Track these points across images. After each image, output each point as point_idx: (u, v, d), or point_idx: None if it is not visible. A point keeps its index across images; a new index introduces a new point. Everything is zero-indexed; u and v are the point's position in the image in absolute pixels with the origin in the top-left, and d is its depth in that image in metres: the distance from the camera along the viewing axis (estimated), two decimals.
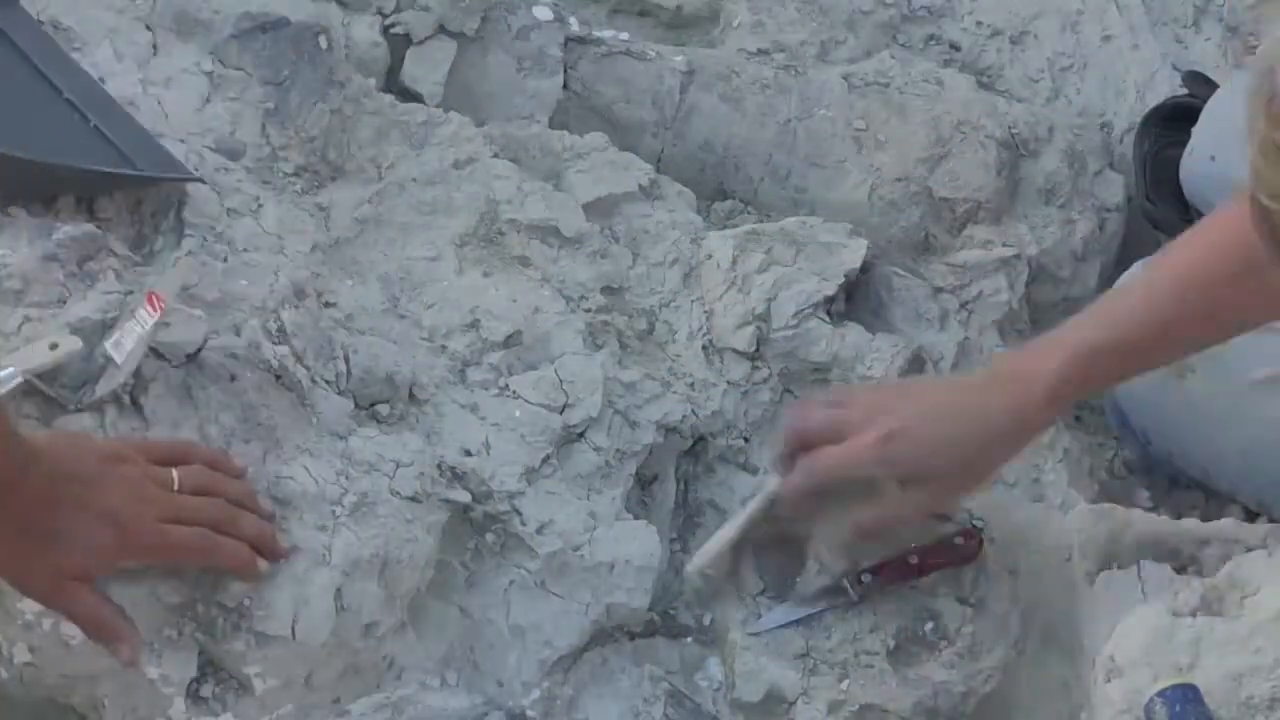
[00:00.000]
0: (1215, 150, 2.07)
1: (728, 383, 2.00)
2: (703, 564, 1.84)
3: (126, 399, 1.69)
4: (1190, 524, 1.84)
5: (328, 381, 1.82)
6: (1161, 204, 2.21)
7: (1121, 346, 1.72)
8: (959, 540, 1.84)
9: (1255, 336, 1.75)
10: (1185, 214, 2.16)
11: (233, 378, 1.73)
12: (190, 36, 2.04)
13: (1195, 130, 2.12)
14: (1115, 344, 1.72)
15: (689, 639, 1.86)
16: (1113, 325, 1.74)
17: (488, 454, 1.84)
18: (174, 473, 1.62)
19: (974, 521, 1.90)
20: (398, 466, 1.75)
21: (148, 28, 2.04)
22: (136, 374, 1.69)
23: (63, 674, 1.67)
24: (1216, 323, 1.73)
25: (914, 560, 1.83)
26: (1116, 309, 1.78)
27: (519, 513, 1.81)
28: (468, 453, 1.83)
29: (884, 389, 1.90)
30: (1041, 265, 2.22)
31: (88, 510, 1.54)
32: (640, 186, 2.12)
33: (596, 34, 2.28)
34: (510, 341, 1.92)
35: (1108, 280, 2.20)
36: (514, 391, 1.89)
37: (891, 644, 1.83)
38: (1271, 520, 1.94)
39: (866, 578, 1.82)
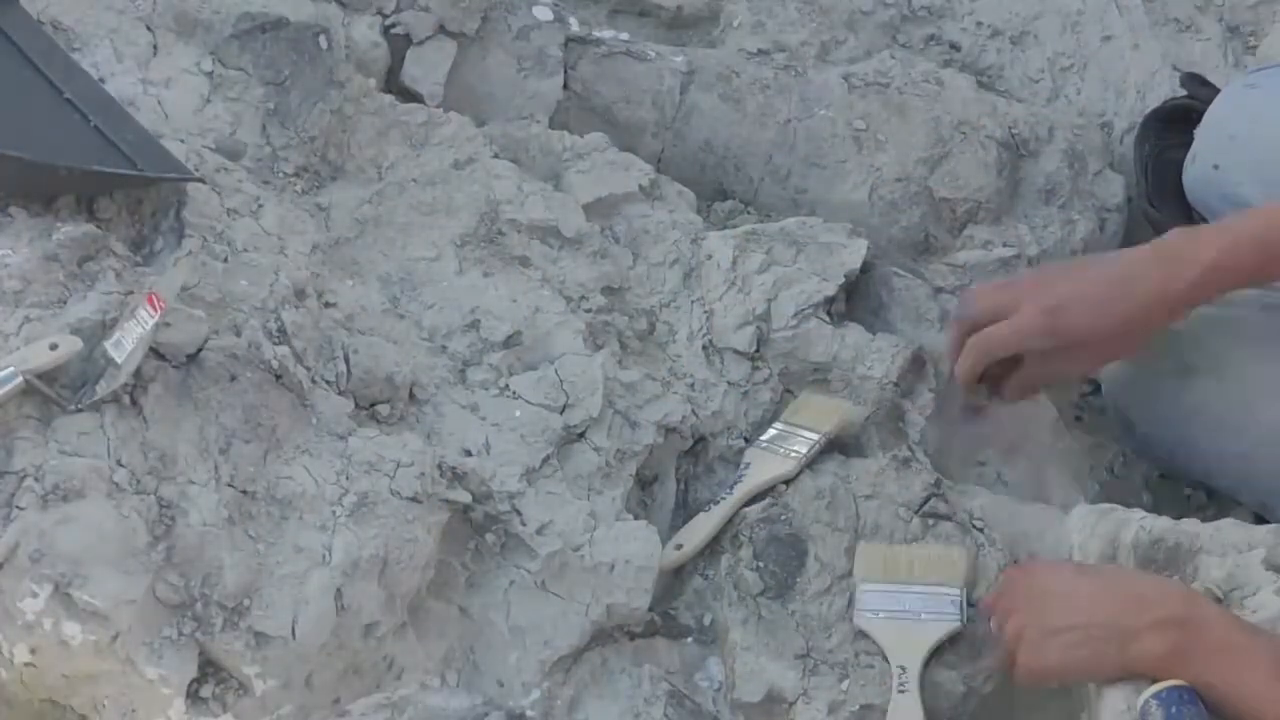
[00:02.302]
0: (1218, 159, 2.06)
1: (728, 383, 2.00)
2: (683, 549, 1.87)
3: (127, 399, 1.69)
4: (1190, 524, 1.84)
5: (328, 382, 1.82)
6: (1164, 208, 2.21)
7: (1272, 246, 1.77)
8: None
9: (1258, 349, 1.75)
10: (1188, 218, 2.16)
11: (233, 378, 1.73)
12: (190, 36, 2.04)
13: (1197, 136, 2.11)
14: (1269, 242, 1.77)
15: (689, 639, 1.86)
16: (1269, 225, 1.78)
17: (488, 454, 1.84)
18: None
19: (974, 522, 1.90)
20: (398, 466, 1.75)
21: (148, 28, 2.04)
22: (136, 374, 1.69)
23: (63, 674, 1.67)
24: None
25: None
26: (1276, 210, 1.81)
27: (519, 513, 1.81)
28: (468, 453, 1.83)
29: (1044, 268, 2.02)
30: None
31: None
32: (640, 187, 2.12)
33: (596, 34, 2.29)
34: (510, 342, 1.92)
35: None
36: (514, 392, 1.89)
37: None
38: (1274, 522, 1.93)
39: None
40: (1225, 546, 1.82)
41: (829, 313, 2.03)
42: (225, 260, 1.84)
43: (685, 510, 1.94)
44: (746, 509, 1.92)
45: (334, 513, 1.71)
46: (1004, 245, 2.19)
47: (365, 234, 2.00)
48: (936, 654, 1.82)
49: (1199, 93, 2.24)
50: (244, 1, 2.07)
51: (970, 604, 1.84)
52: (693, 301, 2.05)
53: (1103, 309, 1.82)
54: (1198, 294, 1.82)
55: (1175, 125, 2.23)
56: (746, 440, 1.98)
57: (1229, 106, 2.07)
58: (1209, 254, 1.78)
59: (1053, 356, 1.87)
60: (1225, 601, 1.77)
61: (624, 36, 2.31)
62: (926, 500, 1.92)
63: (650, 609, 1.84)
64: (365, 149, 2.06)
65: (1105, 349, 1.89)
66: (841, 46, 2.38)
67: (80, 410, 1.67)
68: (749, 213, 2.23)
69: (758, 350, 2.01)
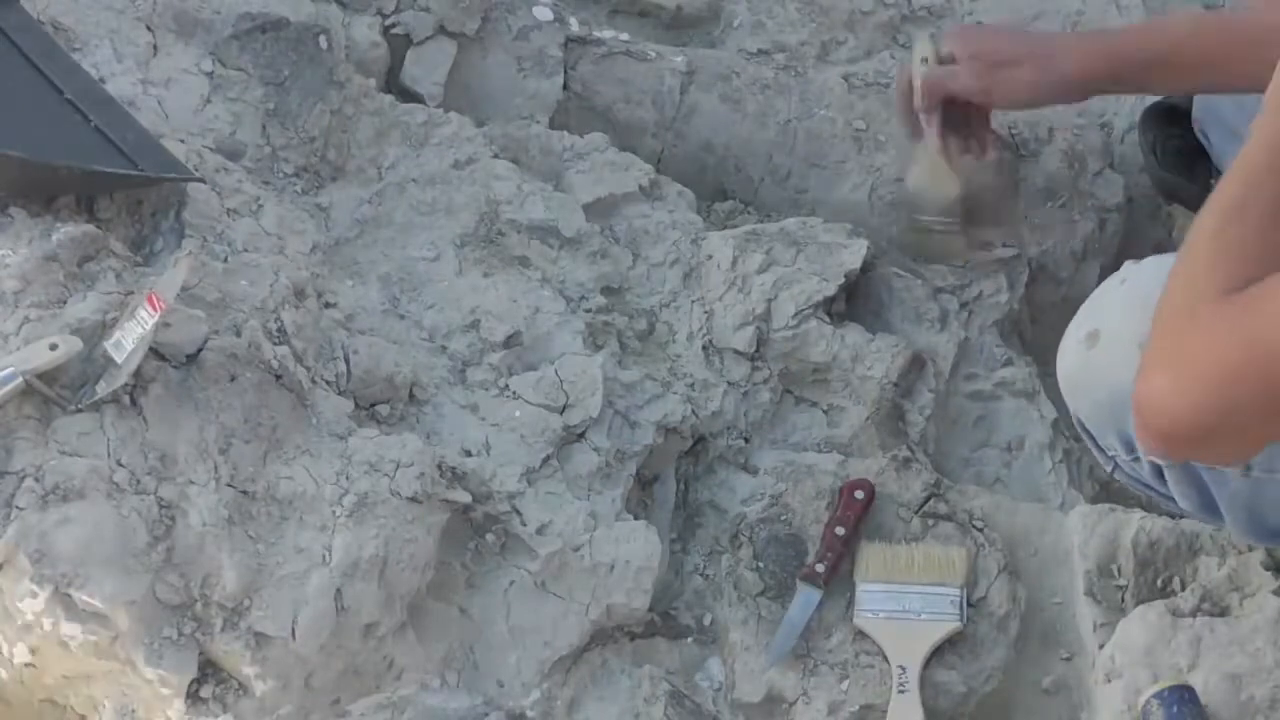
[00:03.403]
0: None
1: (728, 383, 2.00)
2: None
3: (126, 399, 1.69)
4: (1190, 524, 1.84)
5: (328, 382, 1.82)
6: (1176, 174, 2.25)
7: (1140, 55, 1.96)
8: (858, 493, 1.90)
9: None
10: (1199, 188, 2.17)
11: (233, 378, 1.73)
12: (190, 37, 2.04)
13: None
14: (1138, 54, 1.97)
15: (689, 639, 1.86)
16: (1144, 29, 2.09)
17: (488, 454, 1.84)
18: None
19: (974, 522, 1.90)
20: (398, 467, 1.75)
21: (148, 28, 2.04)
22: (136, 374, 1.69)
23: (62, 674, 1.67)
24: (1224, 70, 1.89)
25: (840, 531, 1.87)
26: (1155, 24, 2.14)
27: (519, 513, 1.81)
28: (468, 453, 1.83)
29: (987, 31, 2.25)
30: (1041, 265, 2.22)
31: None
32: (640, 187, 2.12)
33: (596, 34, 2.28)
34: (510, 342, 1.92)
35: None
36: (514, 392, 1.89)
37: None
38: None
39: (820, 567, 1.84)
40: (1225, 546, 1.83)
41: (829, 313, 2.03)
42: (225, 260, 1.84)
43: (685, 510, 1.94)
44: (746, 509, 1.92)
45: (334, 513, 1.71)
46: (1004, 245, 2.19)
47: (365, 234, 2.00)
48: (936, 654, 1.82)
49: None
50: (244, 1, 2.07)
51: (970, 604, 1.85)
52: (693, 301, 2.05)
53: (1009, 34, 2.12)
54: (1086, 86, 2.02)
55: (1175, 122, 2.24)
56: (746, 440, 1.98)
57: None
58: (1094, 45, 2.00)
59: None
60: (1225, 602, 1.77)
61: (624, 37, 2.31)
62: (926, 500, 1.92)
63: (650, 609, 1.84)
64: (365, 149, 2.06)
65: (1006, 72, 2.04)
66: (841, 47, 2.38)
67: (80, 410, 1.67)
68: (749, 213, 2.23)
69: (758, 350, 2.01)
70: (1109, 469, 1.75)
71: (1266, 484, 1.61)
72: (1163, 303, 1.46)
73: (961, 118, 2.07)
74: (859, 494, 1.89)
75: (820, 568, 1.84)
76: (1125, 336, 1.54)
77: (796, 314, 2.01)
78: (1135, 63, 1.96)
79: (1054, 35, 2.28)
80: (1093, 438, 1.71)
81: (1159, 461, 1.65)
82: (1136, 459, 1.67)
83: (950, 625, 1.82)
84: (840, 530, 1.86)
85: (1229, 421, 1.41)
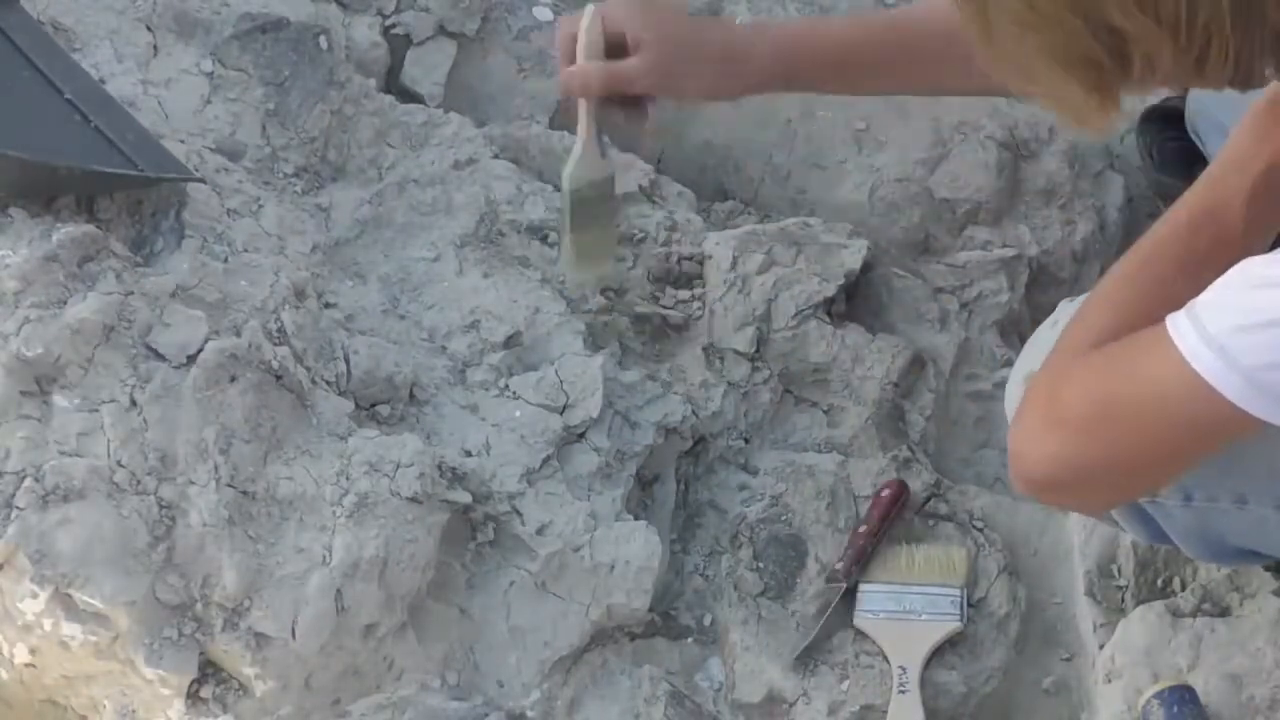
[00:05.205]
0: None
1: (728, 383, 2.00)
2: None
3: (127, 399, 1.69)
4: None
5: (328, 382, 1.82)
6: (1172, 176, 2.23)
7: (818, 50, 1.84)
8: (884, 492, 1.90)
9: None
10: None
11: (233, 378, 1.73)
12: (190, 37, 2.04)
13: None
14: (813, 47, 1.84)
15: (689, 639, 1.86)
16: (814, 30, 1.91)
17: (488, 454, 1.84)
18: None
19: (974, 522, 1.90)
20: (398, 467, 1.75)
21: (148, 28, 2.04)
22: (137, 374, 1.69)
23: (62, 674, 1.67)
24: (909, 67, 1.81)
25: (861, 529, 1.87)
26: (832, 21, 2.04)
27: (519, 513, 1.81)
28: (468, 453, 1.83)
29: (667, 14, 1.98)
30: (1042, 266, 2.22)
31: None
32: (640, 187, 2.12)
33: None
34: (510, 342, 1.92)
35: None
36: (514, 392, 1.89)
37: None
38: None
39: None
40: None
41: (829, 313, 2.03)
42: (225, 260, 1.84)
43: (685, 511, 1.94)
44: (747, 509, 1.92)
45: (334, 513, 1.71)
46: (1004, 245, 2.19)
47: (365, 234, 2.00)
48: (936, 654, 1.82)
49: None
50: (244, 2, 2.07)
51: (970, 604, 1.85)
52: (693, 302, 2.05)
53: (659, 13, 1.85)
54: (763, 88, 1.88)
55: (1172, 124, 2.24)
56: (746, 440, 1.98)
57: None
58: (763, 48, 1.83)
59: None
60: (1225, 602, 1.77)
61: None
62: (927, 500, 1.92)
63: (650, 609, 1.84)
64: (365, 149, 2.06)
65: (654, 56, 1.84)
66: None
67: None
68: (749, 213, 2.23)
69: (758, 351, 2.01)
70: None
71: (1211, 513, 1.61)
72: (1053, 346, 1.47)
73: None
74: (885, 492, 1.89)
75: (839, 565, 1.84)
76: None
77: (797, 314, 2.01)
78: (810, 66, 1.85)
79: (732, 28, 2.10)
80: None
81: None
82: None
83: (950, 625, 1.82)
84: (862, 527, 1.87)
85: (1083, 472, 1.42)
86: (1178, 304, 1.34)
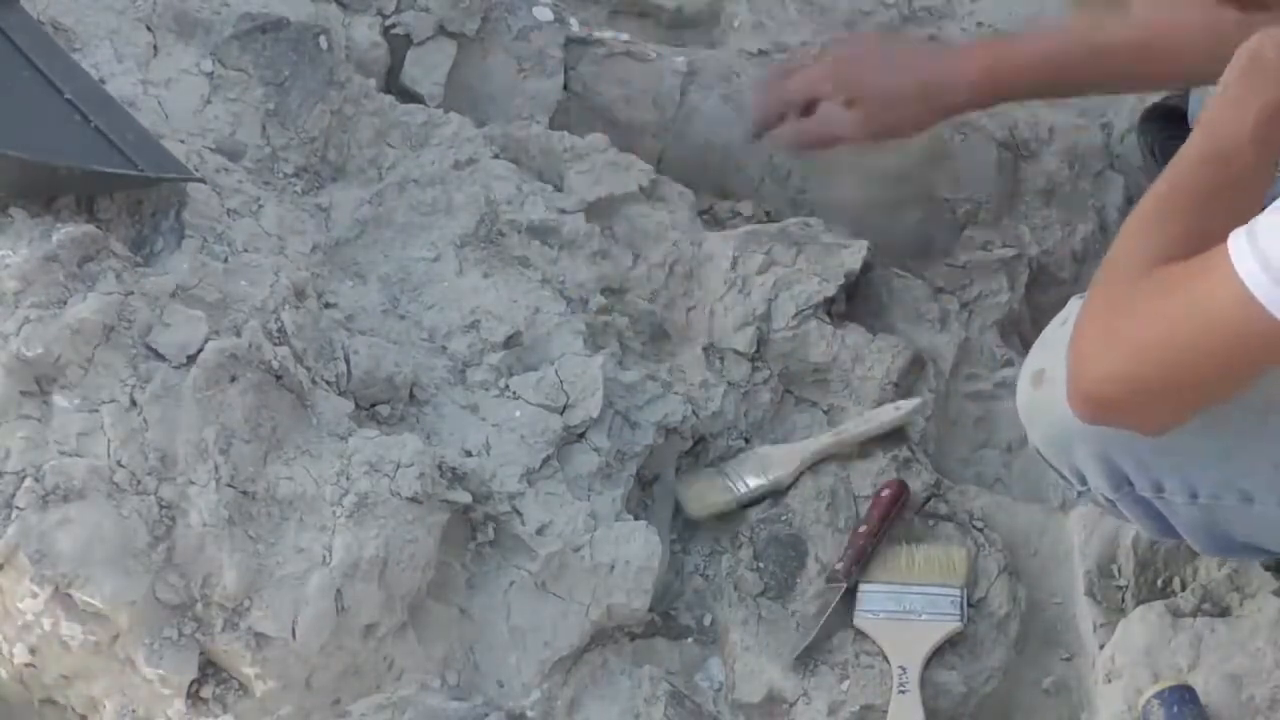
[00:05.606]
0: None
1: (728, 383, 2.00)
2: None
3: (127, 399, 1.69)
4: None
5: (328, 382, 1.82)
6: None
7: (1041, 61, 1.97)
8: (884, 492, 1.90)
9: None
10: None
11: (233, 378, 1.73)
12: (190, 37, 2.04)
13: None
14: (1035, 57, 1.97)
15: (689, 639, 1.87)
16: (1037, 40, 2.01)
17: (488, 454, 1.84)
18: None
19: (974, 522, 1.90)
20: (398, 467, 1.75)
21: (148, 28, 2.03)
22: (137, 374, 1.69)
23: (62, 674, 1.67)
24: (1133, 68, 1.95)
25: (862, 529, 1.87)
26: (1050, 32, 2.04)
27: (519, 513, 1.81)
28: (468, 453, 1.83)
29: (856, 52, 2.16)
30: (1042, 266, 2.22)
31: None
32: (640, 187, 2.12)
33: (597, 35, 2.28)
34: (510, 342, 1.92)
35: None
36: (514, 392, 1.89)
37: None
38: None
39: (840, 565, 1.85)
40: None
41: (829, 313, 2.03)
42: (225, 260, 1.84)
43: (685, 510, 1.94)
44: (748, 509, 1.92)
45: (334, 513, 1.71)
46: (1004, 245, 2.19)
47: (365, 234, 2.00)
48: (936, 654, 1.82)
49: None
50: (244, 2, 2.07)
51: (970, 604, 1.85)
52: (693, 302, 2.05)
53: (880, 68, 2.05)
54: (974, 100, 2.04)
55: (1174, 123, 2.23)
56: (746, 440, 1.98)
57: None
58: (980, 61, 1.99)
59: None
60: (1225, 602, 1.77)
61: (624, 37, 2.31)
62: (927, 500, 1.92)
63: (650, 609, 1.84)
64: (365, 149, 2.06)
65: (880, 108, 2.05)
66: None
67: None
68: (749, 213, 2.23)
69: (758, 351, 2.01)
70: (1074, 494, 1.77)
71: (1216, 509, 1.63)
72: (1095, 279, 1.51)
73: None
74: (885, 492, 1.89)
75: (839, 565, 1.84)
76: (1065, 376, 1.55)
77: (797, 314, 2.01)
78: (1025, 82, 1.97)
79: (939, 53, 2.16)
80: (1053, 467, 1.73)
81: (1110, 497, 1.68)
82: (1089, 490, 1.70)
83: (950, 625, 1.82)
84: (862, 527, 1.87)
85: (1141, 392, 1.45)
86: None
